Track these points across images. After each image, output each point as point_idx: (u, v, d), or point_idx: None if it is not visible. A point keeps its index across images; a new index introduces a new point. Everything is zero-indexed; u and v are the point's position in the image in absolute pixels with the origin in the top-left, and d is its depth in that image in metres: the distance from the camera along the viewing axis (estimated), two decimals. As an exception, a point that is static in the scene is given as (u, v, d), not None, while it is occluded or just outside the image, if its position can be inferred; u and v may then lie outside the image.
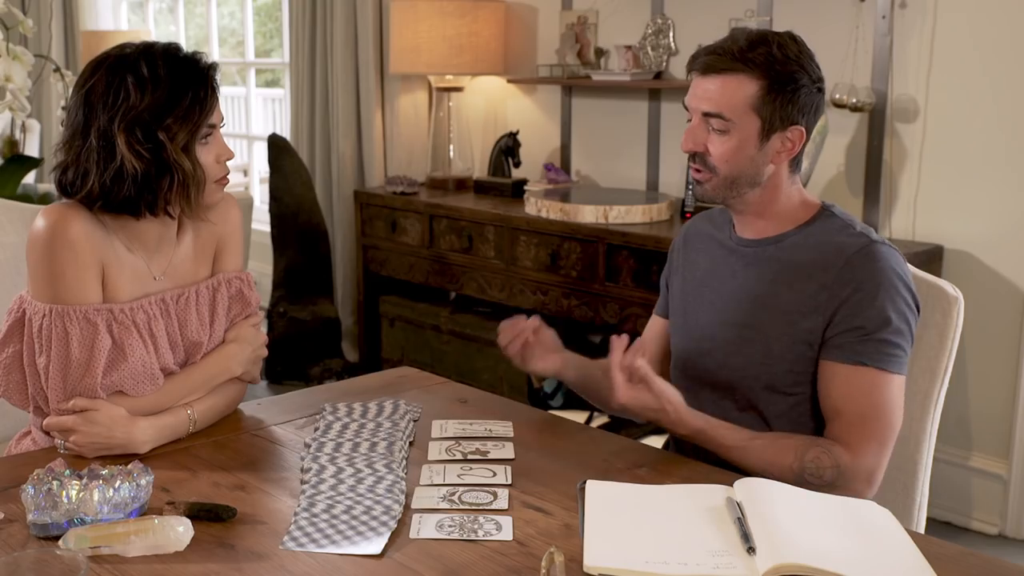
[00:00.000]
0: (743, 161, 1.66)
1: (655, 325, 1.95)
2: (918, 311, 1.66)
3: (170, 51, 1.62)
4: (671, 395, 1.62)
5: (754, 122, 1.64)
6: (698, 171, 1.70)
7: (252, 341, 1.80)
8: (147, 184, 1.59)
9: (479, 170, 4.31)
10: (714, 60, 1.65)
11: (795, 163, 1.71)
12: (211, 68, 1.64)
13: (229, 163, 1.71)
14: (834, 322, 1.62)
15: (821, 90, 1.68)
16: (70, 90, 3.13)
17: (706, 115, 1.66)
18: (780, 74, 1.62)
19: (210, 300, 1.76)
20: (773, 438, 1.62)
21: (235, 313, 1.80)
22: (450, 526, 1.38)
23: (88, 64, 1.64)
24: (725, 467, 1.61)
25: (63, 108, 3.37)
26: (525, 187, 3.94)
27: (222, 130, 1.69)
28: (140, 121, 1.57)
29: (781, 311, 1.67)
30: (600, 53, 3.92)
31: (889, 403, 1.61)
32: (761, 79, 1.62)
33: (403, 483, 1.50)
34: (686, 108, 1.71)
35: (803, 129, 1.66)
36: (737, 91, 1.63)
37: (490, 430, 1.73)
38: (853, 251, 1.63)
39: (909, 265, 1.73)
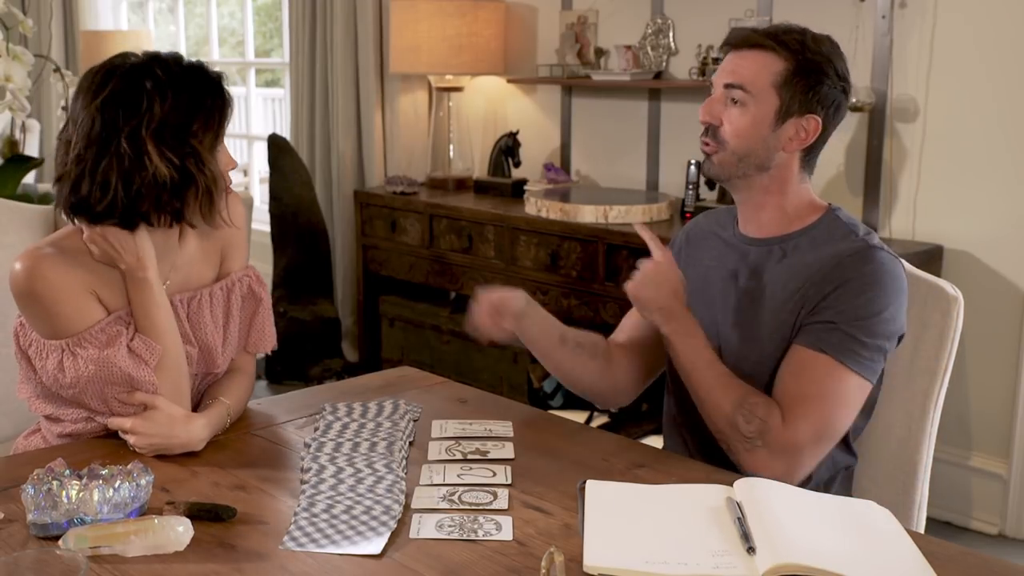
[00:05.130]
0: (755, 139, 1.66)
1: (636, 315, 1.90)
2: (909, 319, 1.65)
3: (179, 59, 1.60)
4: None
5: (773, 101, 1.65)
6: (707, 144, 1.70)
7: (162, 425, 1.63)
8: (175, 192, 1.56)
9: (479, 170, 4.31)
10: (749, 35, 1.68)
11: (808, 161, 1.71)
12: (220, 77, 1.63)
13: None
14: (811, 312, 1.62)
15: (846, 92, 1.69)
16: (70, 90, 3.13)
17: (728, 86, 1.67)
18: (808, 60, 1.64)
19: (224, 302, 1.76)
20: (733, 378, 1.63)
21: (250, 311, 1.81)
22: (450, 526, 1.38)
23: (92, 73, 1.58)
24: (725, 467, 1.61)
25: (63, 108, 3.37)
26: (525, 187, 3.94)
27: None
28: (168, 128, 1.54)
29: (772, 310, 1.67)
30: (600, 53, 3.92)
31: (838, 396, 1.59)
32: (789, 61, 1.64)
33: (403, 483, 1.50)
34: (711, 87, 1.71)
35: (819, 120, 1.66)
36: (764, 67, 1.65)
37: (490, 430, 1.73)
38: (847, 254, 1.63)
39: (908, 265, 1.73)
